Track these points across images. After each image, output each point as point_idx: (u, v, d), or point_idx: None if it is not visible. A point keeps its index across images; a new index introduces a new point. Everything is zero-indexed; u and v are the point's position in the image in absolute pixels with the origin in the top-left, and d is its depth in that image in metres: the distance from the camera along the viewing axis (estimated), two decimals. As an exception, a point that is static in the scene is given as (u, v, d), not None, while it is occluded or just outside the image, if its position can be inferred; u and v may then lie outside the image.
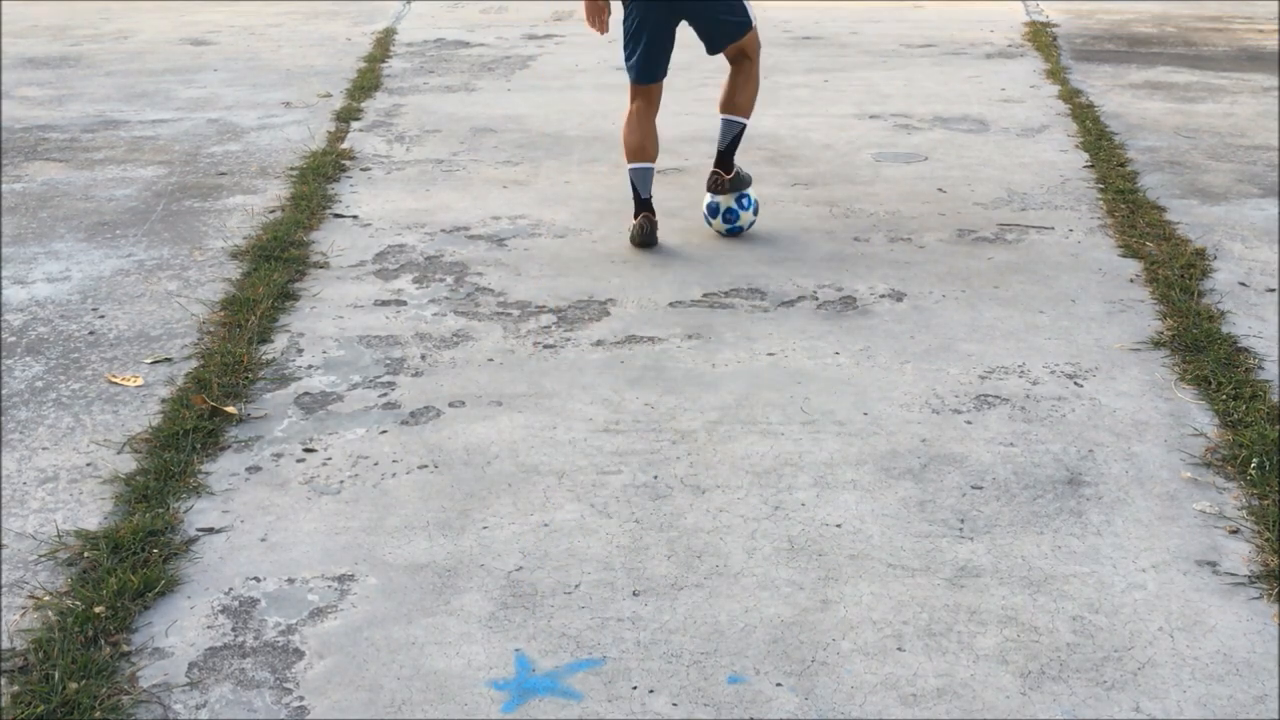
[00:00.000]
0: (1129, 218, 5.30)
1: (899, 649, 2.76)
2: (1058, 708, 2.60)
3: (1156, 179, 5.86)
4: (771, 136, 6.50)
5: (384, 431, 3.68)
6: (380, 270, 4.85)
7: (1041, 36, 8.97)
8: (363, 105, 7.29)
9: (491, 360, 4.11)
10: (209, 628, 2.85)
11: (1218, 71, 8.06)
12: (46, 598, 2.91)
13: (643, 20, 4.92)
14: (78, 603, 2.86)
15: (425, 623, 2.86)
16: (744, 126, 5.11)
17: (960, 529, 3.19)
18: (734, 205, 5.12)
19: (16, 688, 2.62)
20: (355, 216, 5.44)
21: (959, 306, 4.49)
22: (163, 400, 3.83)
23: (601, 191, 5.74)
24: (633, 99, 5.09)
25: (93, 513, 3.26)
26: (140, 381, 3.96)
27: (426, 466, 3.50)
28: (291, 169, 6.07)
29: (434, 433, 3.67)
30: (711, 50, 5.09)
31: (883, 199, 5.63)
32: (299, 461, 3.53)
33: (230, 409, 3.74)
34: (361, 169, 6.10)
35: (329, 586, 2.99)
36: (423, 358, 4.13)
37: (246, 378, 3.95)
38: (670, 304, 4.52)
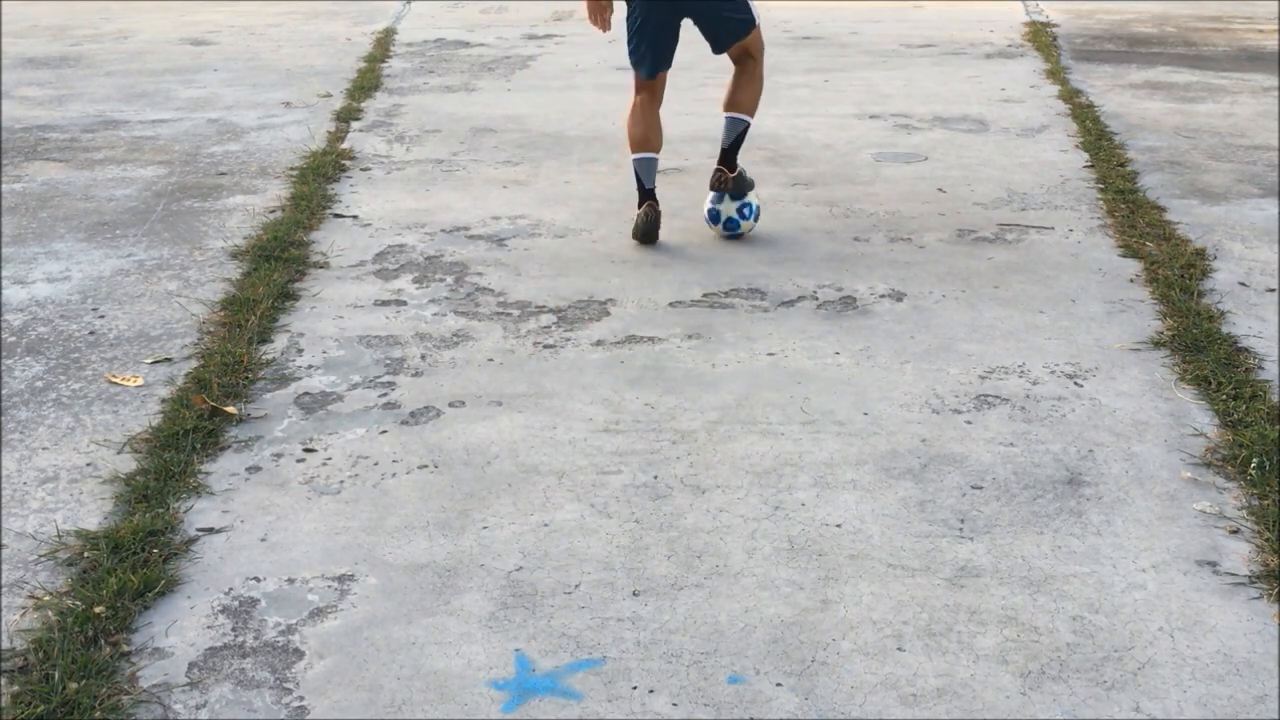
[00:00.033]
0: (1129, 218, 5.30)
1: (899, 649, 2.76)
2: (1058, 708, 2.60)
3: (1156, 179, 5.86)
4: (771, 136, 6.50)
5: (384, 431, 3.68)
6: (380, 270, 4.85)
7: (1041, 36, 8.97)
8: (363, 105, 7.29)
9: (491, 360, 4.11)
10: (209, 628, 2.85)
11: (1218, 71, 8.06)
12: (46, 598, 2.91)
13: (645, 17, 4.93)
14: (78, 603, 2.86)
15: (425, 623, 2.86)
16: (748, 125, 5.10)
17: (960, 529, 3.19)
18: (735, 215, 5.10)
19: (16, 688, 2.62)
20: (355, 216, 5.44)
21: (959, 306, 4.49)
22: (163, 400, 3.83)
23: (601, 191, 5.74)
24: (637, 91, 5.12)
25: (93, 513, 3.26)
26: (140, 381, 3.96)
27: (426, 466, 3.50)
28: (291, 169, 6.07)
29: (434, 433, 3.67)
30: (717, 49, 5.09)
31: (883, 199, 5.63)
32: (299, 461, 3.53)
33: (230, 409, 3.74)
34: (361, 169, 6.10)
35: (329, 586, 2.99)
36: (423, 358, 4.13)
37: (246, 378, 3.95)
38: (670, 304, 4.53)
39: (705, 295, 4.60)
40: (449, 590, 2.97)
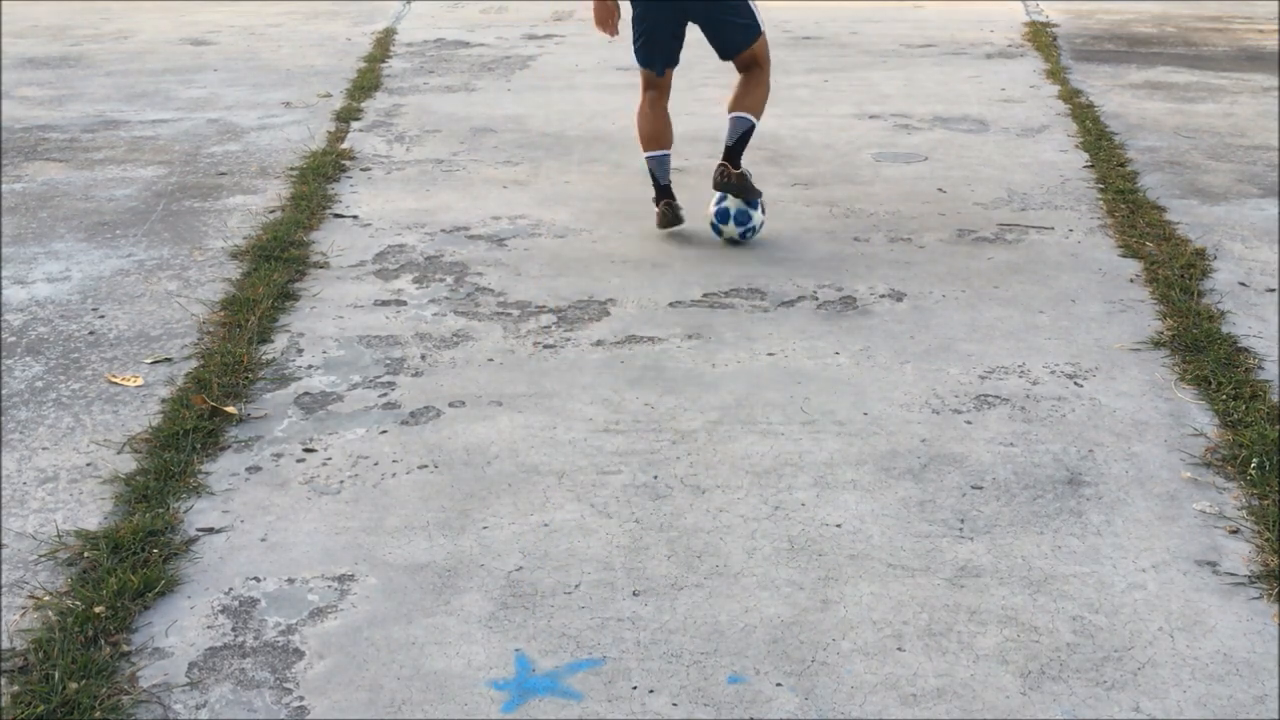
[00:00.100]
0: (1129, 218, 5.30)
1: (899, 649, 2.76)
2: (1058, 708, 2.60)
3: (1156, 179, 5.86)
4: (771, 136, 6.49)
5: (384, 431, 3.68)
6: (380, 270, 4.85)
7: (1041, 36, 8.97)
8: (363, 105, 7.29)
9: (491, 360, 4.11)
10: (209, 628, 2.85)
11: (1218, 71, 8.06)
12: (46, 598, 2.91)
13: (651, 19, 4.95)
14: (78, 603, 2.86)
15: (425, 623, 2.86)
16: (753, 125, 5.05)
17: (960, 529, 3.19)
18: (743, 207, 5.02)
19: (16, 688, 2.62)
20: (355, 216, 5.44)
21: (959, 306, 4.49)
22: (163, 400, 3.83)
23: (601, 191, 5.74)
24: (645, 89, 5.14)
25: (93, 513, 3.26)
26: (140, 381, 3.96)
27: (426, 466, 3.50)
28: (291, 169, 6.07)
29: (434, 433, 3.67)
30: (724, 55, 5.08)
31: (883, 199, 5.63)
32: (299, 461, 3.53)
33: (230, 409, 3.74)
34: (361, 169, 6.10)
35: (329, 586, 2.99)
36: (423, 358, 4.13)
37: (246, 378, 3.95)
38: (670, 304, 4.52)
39: (705, 295, 4.60)
40: (449, 590, 2.97)
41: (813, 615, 2.87)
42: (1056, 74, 7.88)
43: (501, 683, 2.67)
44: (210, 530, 3.20)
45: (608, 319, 4.41)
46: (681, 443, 3.60)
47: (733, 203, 5.05)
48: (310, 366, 4.07)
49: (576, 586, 2.98)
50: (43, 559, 3.07)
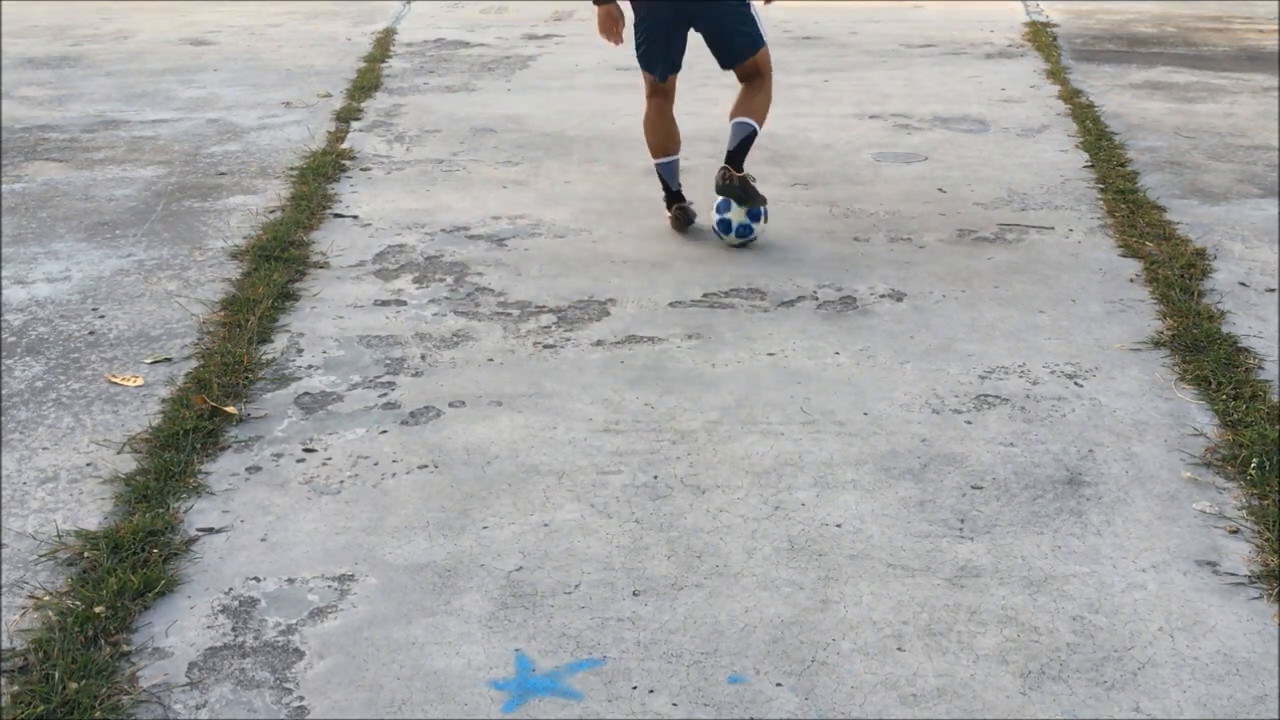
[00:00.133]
0: (1129, 218, 5.30)
1: (899, 649, 2.76)
2: (1058, 708, 2.60)
3: (1156, 179, 5.86)
4: (771, 136, 6.49)
5: (384, 431, 3.68)
6: (380, 270, 4.85)
7: (1041, 36, 8.97)
8: (363, 105, 7.29)
9: (491, 360, 4.11)
10: (209, 628, 2.85)
11: (1218, 71, 8.06)
12: (46, 598, 2.91)
13: (653, 26, 4.94)
14: (78, 603, 2.86)
15: (425, 623, 2.86)
16: (755, 130, 5.01)
17: (960, 529, 3.19)
18: (745, 220, 4.98)
19: (16, 688, 2.62)
20: (355, 216, 5.44)
21: (959, 306, 4.49)
22: (163, 400, 3.83)
23: (601, 191, 5.74)
24: (649, 95, 5.13)
25: (93, 513, 3.26)
26: (140, 381, 3.96)
27: (426, 466, 3.50)
28: (291, 169, 6.07)
29: (434, 433, 3.67)
30: (726, 64, 5.06)
31: (883, 199, 5.63)
32: (299, 461, 3.53)
33: (230, 409, 3.74)
34: (361, 169, 6.10)
35: (329, 586, 2.99)
36: (423, 358, 4.13)
37: (246, 378, 3.95)
38: (670, 304, 4.53)
39: (705, 295, 4.60)
40: (449, 590, 2.97)
41: (813, 615, 2.87)
42: (1057, 74, 7.88)
43: (501, 683, 2.67)
44: (210, 530, 3.20)
45: (608, 319, 4.41)
46: (681, 443, 3.60)
47: (735, 215, 4.99)
48: (310, 366, 4.07)
49: (576, 586, 2.98)
50: (43, 559, 3.07)
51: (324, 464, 3.51)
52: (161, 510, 3.23)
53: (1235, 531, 3.17)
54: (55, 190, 5.81)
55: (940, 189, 5.77)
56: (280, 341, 4.24)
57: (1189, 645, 2.77)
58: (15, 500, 3.33)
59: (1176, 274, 4.67)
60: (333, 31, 9.50)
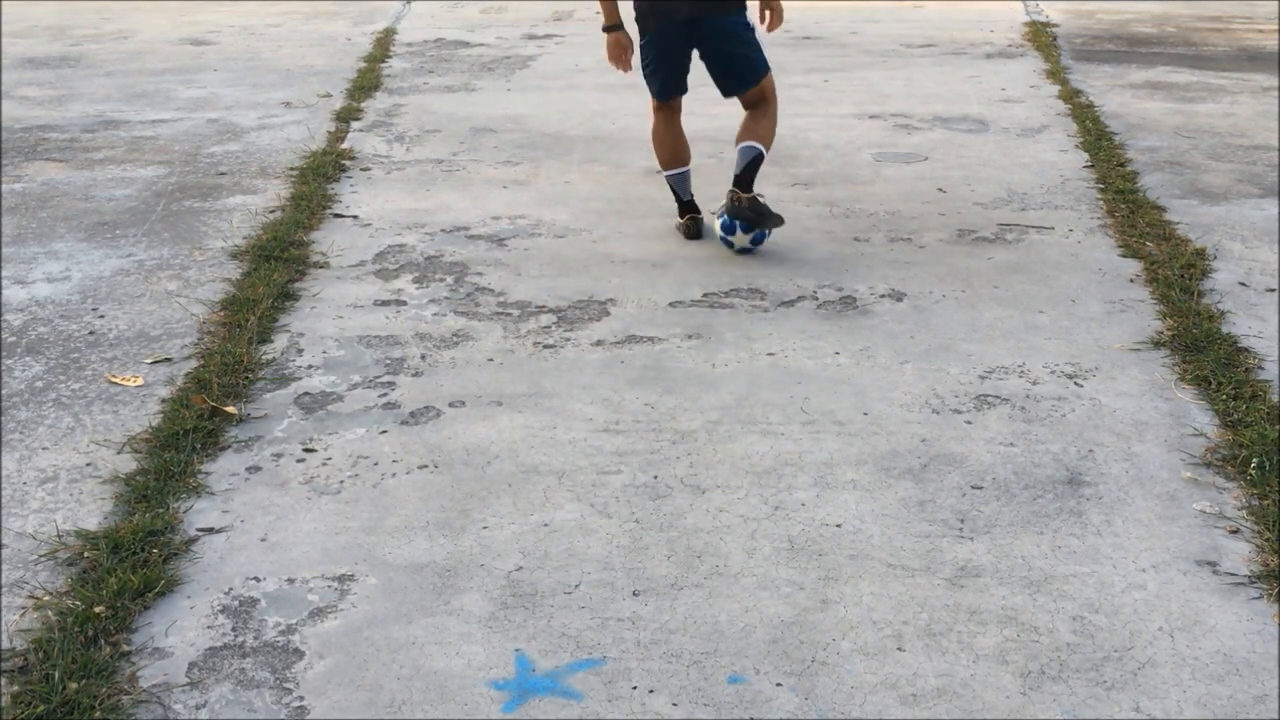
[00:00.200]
0: (1129, 218, 5.30)
1: (899, 649, 2.76)
2: (1058, 708, 2.60)
3: (1156, 179, 5.86)
4: (771, 136, 6.49)
5: (384, 431, 3.68)
6: (380, 270, 4.85)
7: (1041, 36, 8.97)
8: (363, 105, 7.29)
9: (491, 360, 4.11)
10: (209, 628, 2.85)
11: (1218, 71, 8.06)
12: (46, 598, 2.91)
13: (659, 47, 4.92)
14: (78, 603, 2.86)
15: (425, 623, 2.86)
16: (762, 154, 4.93)
17: (960, 529, 3.19)
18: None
19: (16, 688, 2.62)
20: (355, 216, 5.44)
21: (959, 306, 4.49)
22: (163, 400, 3.83)
23: (601, 191, 5.74)
24: (655, 111, 5.11)
25: (93, 513, 3.26)
26: (140, 381, 3.96)
27: (426, 466, 3.50)
28: (291, 169, 6.07)
29: (434, 433, 3.67)
30: (730, 91, 5.01)
31: (883, 199, 5.63)
32: (299, 461, 3.53)
33: (230, 409, 3.74)
34: (361, 169, 6.10)
35: (329, 586, 2.99)
36: (423, 358, 4.13)
37: (246, 378, 3.95)
38: (670, 304, 4.52)
39: (705, 295, 4.60)
40: (449, 590, 2.97)
41: (813, 615, 2.87)
42: (1056, 74, 7.88)
43: (501, 683, 2.67)
44: (210, 530, 3.20)
45: (608, 319, 4.41)
46: (681, 443, 3.60)
47: (739, 240, 4.94)
48: (310, 366, 4.07)
49: (576, 586, 2.98)
50: (43, 559, 3.07)
51: (324, 464, 3.51)
52: (161, 510, 3.23)
53: (1235, 531, 3.17)
54: (55, 190, 5.81)
55: (940, 189, 5.77)
56: (280, 341, 4.24)
57: (1189, 645, 2.77)
58: (15, 500, 3.33)
59: (1176, 274, 4.67)
60: (333, 31, 9.50)
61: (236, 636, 2.82)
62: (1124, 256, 4.94)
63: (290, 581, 3.01)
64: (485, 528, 3.21)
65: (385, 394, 3.89)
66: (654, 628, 2.83)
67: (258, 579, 3.02)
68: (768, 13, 5.04)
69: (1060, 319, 4.39)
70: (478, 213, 5.47)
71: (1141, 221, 5.25)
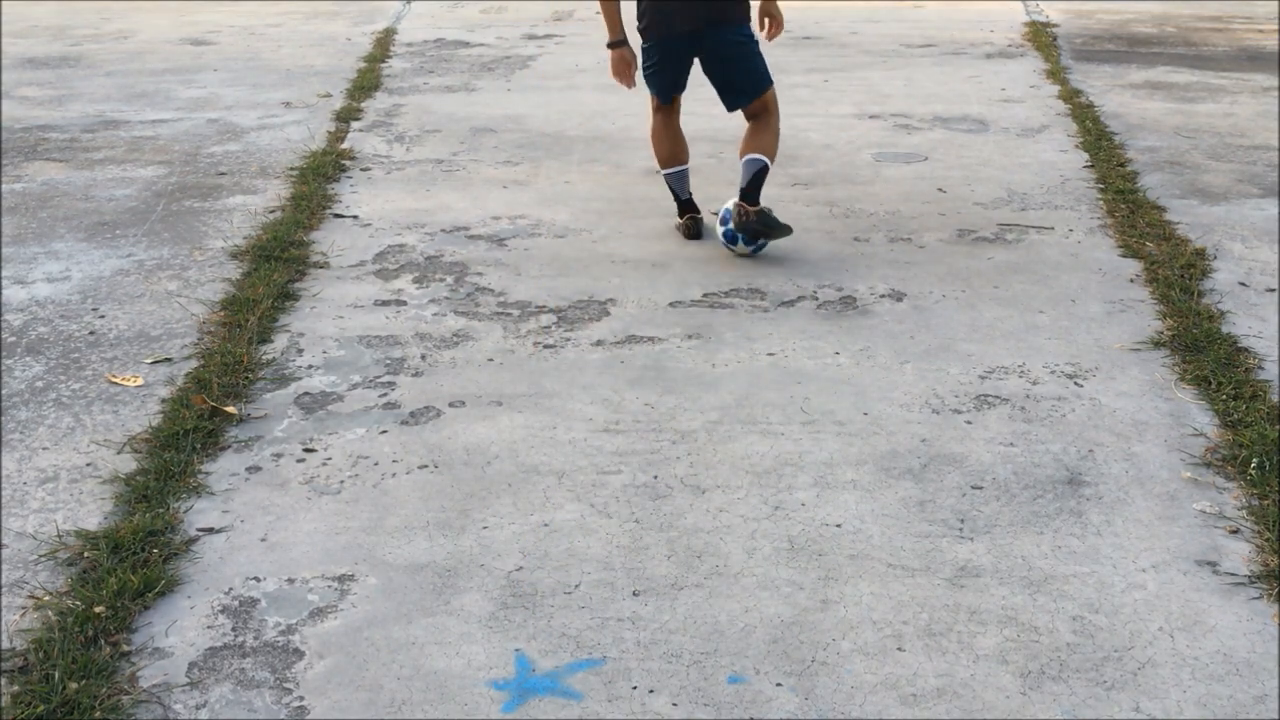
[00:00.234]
0: (1129, 218, 5.30)
1: (899, 649, 2.76)
2: (1058, 708, 2.60)
3: (1156, 179, 5.86)
4: (771, 136, 6.49)
5: (384, 431, 3.68)
6: (380, 270, 4.85)
7: (1041, 36, 8.97)
8: (363, 105, 7.29)
9: (491, 360, 4.11)
10: (209, 628, 2.85)
11: (1218, 71, 8.06)
12: (46, 598, 2.91)
13: (662, 54, 4.92)
14: (78, 603, 2.86)
15: (425, 623, 2.86)
16: (766, 166, 4.89)
17: (960, 529, 3.19)
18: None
19: (16, 688, 2.62)
20: (355, 216, 5.44)
21: (959, 306, 4.49)
22: (163, 400, 3.83)
23: (601, 191, 5.74)
24: (655, 111, 5.12)
25: (93, 513, 3.26)
26: (140, 381, 3.96)
27: (426, 466, 3.50)
28: (291, 169, 6.07)
29: (434, 433, 3.67)
30: (734, 104, 4.99)
31: (883, 199, 5.63)
32: (299, 461, 3.53)
33: (230, 409, 3.74)
34: (361, 169, 6.10)
35: (329, 586, 2.99)
36: (423, 358, 4.13)
37: (246, 378, 3.95)
38: (670, 304, 4.52)
39: (705, 295, 4.60)
40: (449, 590, 2.97)
41: (813, 615, 2.87)
42: (1056, 74, 7.88)
43: (501, 683, 2.67)
44: (210, 530, 3.20)
45: (608, 319, 4.41)
46: (681, 443, 3.60)
47: (740, 250, 4.91)
48: (310, 366, 4.07)
49: (576, 586, 2.98)
50: (43, 559, 3.07)
51: (324, 464, 3.51)
52: (161, 510, 3.23)
53: (1235, 531, 3.17)
54: (55, 190, 5.81)
55: (940, 189, 5.77)
56: (280, 341, 4.24)
57: (1189, 645, 2.77)
58: (15, 500, 3.33)
59: (1176, 274, 4.67)
60: (333, 31, 9.50)
61: (236, 636, 2.82)
62: (1124, 256, 4.94)
63: (290, 581, 3.01)
64: (485, 528, 3.21)
65: (385, 394, 3.89)
66: (654, 628, 2.83)
67: (258, 579, 3.02)
68: (768, 20, 5.04)
69: (1060, 319, 4.39)
70: (478, 213, 5.47)
71: (1141, 221, 5.25)
